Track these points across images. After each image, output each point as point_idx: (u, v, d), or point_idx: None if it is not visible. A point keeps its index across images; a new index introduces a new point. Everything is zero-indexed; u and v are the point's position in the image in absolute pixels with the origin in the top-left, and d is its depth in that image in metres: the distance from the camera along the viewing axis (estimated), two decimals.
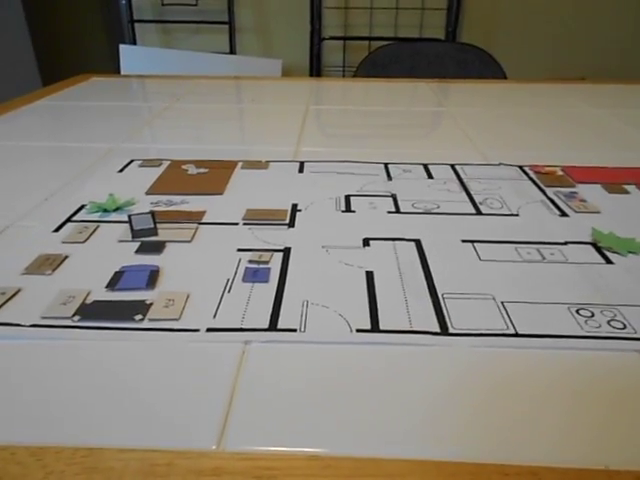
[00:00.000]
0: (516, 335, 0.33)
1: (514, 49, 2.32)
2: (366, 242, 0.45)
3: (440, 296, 0.37)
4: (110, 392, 0.29)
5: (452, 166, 0.63)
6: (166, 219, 0.48)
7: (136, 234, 0.45)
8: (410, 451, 0.26)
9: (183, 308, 0.35)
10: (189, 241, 0.45)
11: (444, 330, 0.33)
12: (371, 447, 0.26)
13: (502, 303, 0.36)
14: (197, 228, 0.47)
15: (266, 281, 0.39)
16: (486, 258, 0.42)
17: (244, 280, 0.39)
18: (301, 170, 0.61)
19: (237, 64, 2.15)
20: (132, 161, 0.63)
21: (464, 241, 0.45)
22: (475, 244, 0.44)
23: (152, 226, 0.46)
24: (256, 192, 0.55)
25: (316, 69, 2.34)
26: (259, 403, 0.28)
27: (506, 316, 0.35)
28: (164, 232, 0.46)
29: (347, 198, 0.54)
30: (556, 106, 0.95)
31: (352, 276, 0.39)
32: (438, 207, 0.52)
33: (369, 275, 0.40)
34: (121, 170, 0.61)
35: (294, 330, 0.33)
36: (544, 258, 0.42)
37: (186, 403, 0.28)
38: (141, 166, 0.62)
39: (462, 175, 0.60)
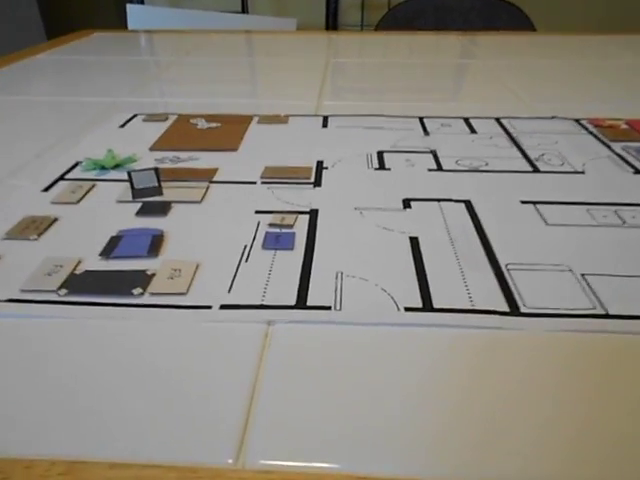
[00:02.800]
0: (607, 316, 0.26)
1: (544, 3, 2.17)
2: (406, 203, 0.38)
3: (504, 267, 0.30)
4: (99, 387, 0.23)
5: (497, 120, 0.55)
6: (172, 177, 0.41)
7: (137, 194, 0.39)
8: (474, 475, 0.19)
9: (191, 280, 0.29)
10: (199, 202, 0.38)
11: (514, 309, 0.27)
12: (425, 468, 0.20)
13: (583, 276, 0.29)
14: (208, 187, 0.40)
15: (291, 248, 0.32)
16: (554, 222, 0.35)
17: (264, 247, 0.32)
18: (325, 125, 0.54)
19: (249, 23, 2.04)
20: (135, 115, 0.57)
21: (524, 202, 0.38)
22: (537, 205, 0.37)
23: (156, 184, 0.39)
24: (275, 148, 0.48)
25: (332, 29, 2.22)
26: (286, 403, 0.22)
27: (590, 292, 0.28)
28: (170, 192, 0.39)
29: (380, 154, 0.46)
30: (600, 57, 0.85)
31: (393, 243, 0.33)
32: (486, 164, 0.44)
33: (414, 242, 0.33)
34: (123, 125, 0.54)
35: (327, 308, 0.27)
36: (624, 222, 0.35)
37: (194, 402, 0.22)
38: (145, 120, 0.55)
39: (510, 129, 0.52)
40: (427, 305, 0.27)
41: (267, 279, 0.29)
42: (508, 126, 0.53)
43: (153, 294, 0.28)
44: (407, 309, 0.27)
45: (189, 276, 0.30)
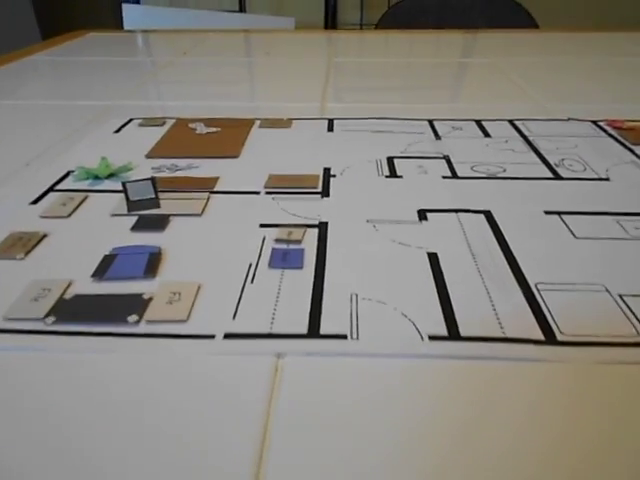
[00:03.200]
0: None
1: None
2: (422, 215, 0.35)
3: (533, 287, 0.28)
4: (88, 432, 0.20)
5: (511, 122, 0.52)
6: (170, 187, 0.39)
7: (133, 206, 0.36)
8: None
9: (192, 305, 0.27)
10: (199, 215, 0.35)
11: (550, 337, 0.24)
12: None
13: (620, 297, 0.27)
14: (209, 198, 0.38)
15: (300, 267, 0.30)
16: (583, 235, 0.32)
17: (271, 265, 0.30)
18: (330, 129, 0.51)
19: (247, 22, 2.01)
20: (131, 120, 0.54)
21: (548, 212, 0.35)
22: (563, 216, 0.35)
23: (153, 196, 0.37)
24: (279, 155, 0.45)
25: (331, 28, 2.20)
26: (302, 455, 0.20)
27: (632, 316, 0.25)
28: (168, 204, 0.37)
29: (390, 160, 0.44)
30: (610, 55, 0.83)
31: (411, 260, 0.30)
32: (504, 170, 0.42)
33: (432, 258, 0.30)
34: (118, 130, 0.51)
35: (343, 337, 0.24)
36: None
37: (195, 454, 0.19)
38: (141, 125, 0.52)
39: (525, 132, 0.50)
40: (453, 333, 0.25)
41: (275, 303, 0.27)
42: (523, 129, 0.51)
43: (150, 322, 0.26)
44: (432, 338, 0.24)
45: (190, 300, 0.27)
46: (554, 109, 0.56)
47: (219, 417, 0.21)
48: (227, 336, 0.25)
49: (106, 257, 0.30)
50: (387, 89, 0.67)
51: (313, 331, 0.25)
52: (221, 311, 0.26)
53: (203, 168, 0.43)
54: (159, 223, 0.34)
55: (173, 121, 0.53)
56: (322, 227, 0.34)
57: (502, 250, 0.31)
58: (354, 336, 0.24)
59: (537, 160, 0.44)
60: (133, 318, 0.26)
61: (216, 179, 0.41)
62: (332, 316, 0.26)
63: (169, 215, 0.35)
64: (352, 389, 0.22)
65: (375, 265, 0.30)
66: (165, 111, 0.58)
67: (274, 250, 0.31)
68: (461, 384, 0.22)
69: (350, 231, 0.33)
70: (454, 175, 0.41)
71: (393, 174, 0.41)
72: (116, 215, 0.35)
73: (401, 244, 0.32)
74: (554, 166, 0.42)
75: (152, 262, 0.30)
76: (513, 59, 0.80)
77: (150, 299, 0.27)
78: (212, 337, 0.25)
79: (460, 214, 0.35)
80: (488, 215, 0.35)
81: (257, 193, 0.38)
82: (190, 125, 0.52)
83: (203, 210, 0.36)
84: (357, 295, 0.27)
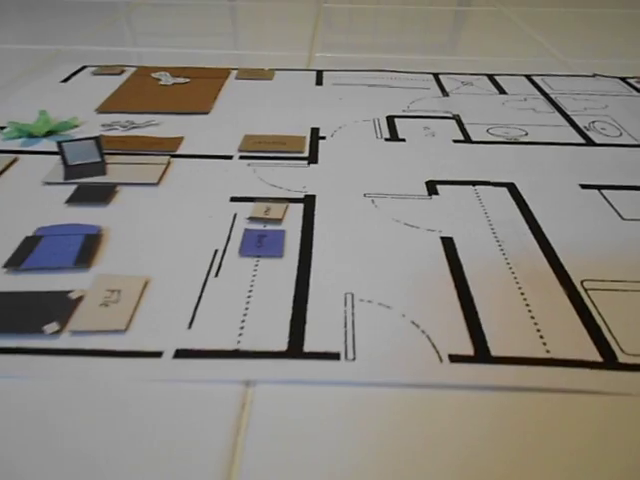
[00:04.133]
0: None
1: None
2: (432, 188, 0.29)
3: (579, 285, 0.22)
4: None
5: (528, 77, 0.45)
6: (122, 149, 0.32)
7: (71, 172, 0.29)
8: None
9: (135, 308, 0.20)
10: (155, 184, 0.28)
11: (610, 358, 0.18)
12: None
13: None
14: (169, 163, 0.30)
15: (279, 255, 0.23)
16: (632, 215, 0.26)
17: (242, 253, 0.23)
18: (319, 82, 0.44)
19: None
20: (84, 67, 0.46)
21: (584, 186, 0.29)
22: (604, 191, 0.28)
23: (98, 159, 0.29)
24: (258, 111, 0.38)
25: None
26: None
27: None
28: (116, 169, 0.29)
29: (390, 120, 0.37)
30: (636, 7, 0.75)
31: (421, 246, 0.24)
32: (526, 134, 0.35)
33: (448, 244, 0.24)
34: (66, 79, 0.43)
35: (335, 356, 0.18)
36: None
37: None
38: (95, 74, 0.44)
39: (546, 89, 0.43)
40: (482, 352, 0.18)
41: (246, 306, 0.20)
42: (543, 85, 0.44)
43: (75, 332, 0.19)
44: (453, 358, 0.18)
45: (132, 301, 0.20)
46: (576, 64, 0.49)
47: (164, 473, 0.15)
48: (179, 354, 0.18)
49: (27, 240, 0.23)
50: (386, 39, 0.59)
51: (295, 348, 0.19)
52: (173, 317, 0.20)
53: (165, 126, 0.35)
54: (103, 195, 0.27)
55: (134, 69, 0.45)
56: (308, 202, 0.27)
57: (534, 235, 0.25)
58: (349, 355, 0.18)
59: (563, 122, 0.37)
60: (52, 327, 0.19)
61: (180, 140, 0.33)
62: (320, 326, 0.19)
63: (116, 184, 0.28)
64: (347, 431, 0.16)
65: (376, 254, 0.23)
66: (127, 58, 0.49)
67: (247, 232, 0.24)
68: (494, 425, 0.16)
69: (343, 208, 0.27)
70: (467, 139, 0.34)
71: (394, 137, 0.34)
72: (49, 183, 0.28)
73: (407, 225, 0.25)
74: (584, 130, 0.36)
75: (87, 247, 0.23)
76: (527, 9, 0.72)
77: (79, 299, 0.20)
78: (158, 355, 0.18)
79: (478, 187, 0.29)
80: (512, 189, 0.29)
81: (229, 158, 0.31)
82: (153, 75, 0.44)
83: (160, 178, 0.29)
84: (353, 296, 0.21)
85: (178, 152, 0.32)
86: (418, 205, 0.27)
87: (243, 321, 0.20)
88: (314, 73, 0.46)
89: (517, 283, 0.22)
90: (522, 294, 0.21)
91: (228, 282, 0.22)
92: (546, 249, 0.24)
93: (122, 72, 0.45)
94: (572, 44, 0.55)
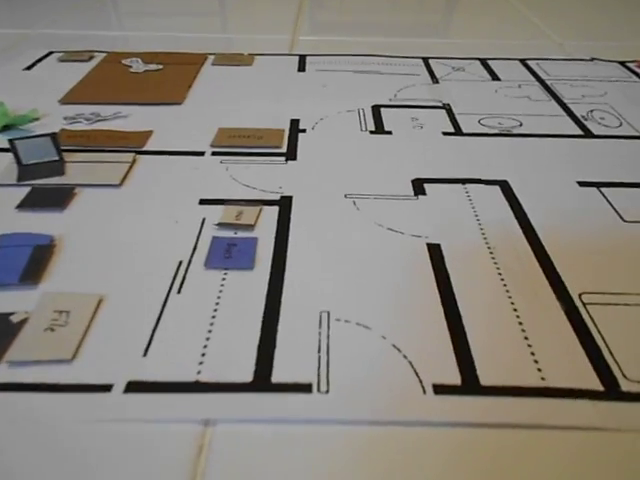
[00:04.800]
0: None
1: None
2: (418, 187, 0.26)
3: (577, 299, 0.20)
4: None
5: (523, 62, 0.43)
6: (84, 145, 0.29)
7: (25, 173, 0.26)
8: None
9: (85, 332, 0.18)
10: (117, 185, 0.26)
11: (610, 387, 0.16)
12: None
13: None
14: (134, 161, 0.28)
15: (249, 267, 0.21)
16: (633, 217, 0.24)
17: (208, 265, 0.21)
18: (302, 68, 0.41)
19: None
20: (50, 53, 0.43)
21: (582, 184, 0.27)
22: (603, 189, 0.26)
23: (56, 158, 0.27)
24: (234, 101, 0.35)
25: None
26: None
27: None
28: (76, 169, 0.27)
29: (376, 110, 0.34)
30: None
31: (405, 255, 0.22)
32: (520, 125, 0.33)
33: (435, 253, 0.22)
34: (30, 67, 0.40)
35: (306, 388, 0.16)
36: None
37: None
38: (62, 60, 0.41)
39: (542, 75, 0.40)
40: (470, 380, 0.17)
41: (209, 328, 0.18)
42: (538, 70, 0.41)
43: (14, 363, 0.17)
44: (438, 389, 0.16)
45: (82, 324, 0.18)
46: (573, 47, 0.47)
47: None
48: (131, 387, 0.16)
49: None
50: (373, 21, 0.56)
51: (261, 379, 0.17)
52: (127, 343, 0.18)
53: (134, 118, 0.33)
54: (59, 198, 0.25)
55: (103, 55, 0.42)
56: (284, 204, 0.25)
57: (528, 241, 0.23)
58: (322, 387, 0.16)
59: (560, 111, 0.35)
60: None
61: (148, 134, 0.31)
62: (291, 351, 0.17)
63: (75, 186, 0.26)
64: (318, 477, 0.14)
65: (355, 265, 0.21)
66: (94, 42, 0.46)
67: (215, 241, 0.22)
68: (482, 464, 0.14)
69: (322, 211, 0.24)
70: (457, 131, 0.32)
71: (380, 129, 0.32)
72: (0, 185, 0.26)
73: (391, 231, 0.23)
74: (582, 119, 0.34)
75: (37, 261, 0.21)
76: None
77: (23, 322, 0.18)
78: (108, 389, 0.16)
79: (468, 185, 0.26)
80: (505, 187, 0.26)
81: (201, 154, 0.29)
82: (124, 61, 0.41)
83: (124, 179, 0.26)
84: (329, 314, 0.19)
85: (145, 148, 0.29)
86: (403, 207, 0.25)
87: (205, 346, 0.18)
88: (297, 58, 0.43)
89: (509, 297, 0.20)
90: (515, 310, 0.19)
91: (191, 299, 0.19)
92: (541, 257, 0.22)
93: (91, 58, 0.42)
94: (569, 26, 0.53)
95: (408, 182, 0.27)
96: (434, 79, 0.39)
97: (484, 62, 0.43)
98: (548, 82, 0.39)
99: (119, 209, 0.24)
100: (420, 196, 0.26)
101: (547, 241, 0.23)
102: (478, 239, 0.23)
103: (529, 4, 0.60)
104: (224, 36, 0.49)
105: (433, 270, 0.21)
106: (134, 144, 0.30)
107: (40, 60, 0.41)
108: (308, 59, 0.43)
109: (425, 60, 0.43)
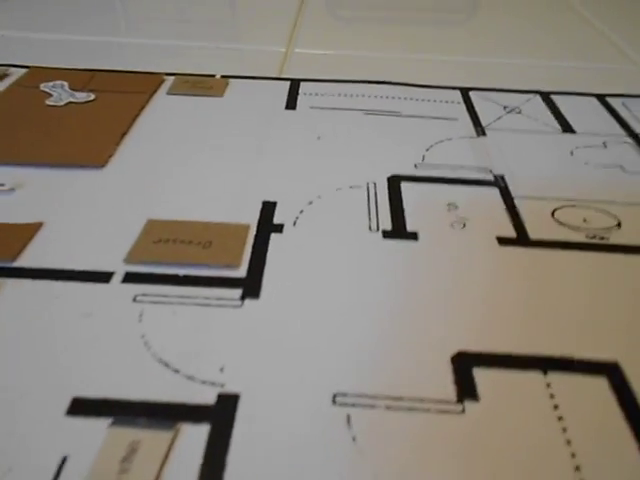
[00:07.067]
0: None
1: None
2: (464, 376, 0.15)
3: None
4: None
5: (601, 98, 0.31)
6: None
7: None
8: None
9: None
10: None
11: None
12: None
13: None
14: None
15: None
16: None
17: None
18: (292, 102, 0.29)
19: None
20: None
21: None
22: None
23: None
24: (184, 163, 0.24)
25: None
26: None
27: None
28: None
29: (394, 185, 0.23)
30: None
31: None
32: (618, 225, 0.21)
33: None
34: None
35: None
36: None
37: None
38: None
39: (633, 124, 0.28)
40: None
41: None
42: (626, 115, 0.29)
43: None
44: None
45: None
46: None
47: None
48: None
49: None
50: (385, 26, 0.44)
51: None
52: None
53: (24, 193, 0.22)
54: None
55: (22, 73, 0.31)
56: (217, 422, 0.14)
57: None
58: None
59: None
60: None
61: (33, 230, 0.19)
62: None
63: None
64: None
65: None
66: (21, 52, 0.35)
67: None
68: None
69: (286, 442, 0.13)
70: (521, 235, 0.20)
71: (399, 228, 0.20)
72: None
73: None
74: None
75: None
76: None
77: None
78: None
79: (550, 376, 0.15)
80: (614, 376, 0.15)
81: (106, 279, 0.18)
82: (43, 86, 0.29)
83: None
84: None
85: (17, 264, 0.18)
86: (439, 428, 0.13)
87: None
88: (287, 85, 0.31)
89: None
90: None
91: None
92: None
93: (4, 77, 0.30)
94: None
95: (446, 366, 0.15)
96: (478, 127, 0.27)
97: (547, 97, 0.31)
98: None
99: None
100: (467, 402, 0.14)
101: None
102: None
103: (601, 14, 0.46)
104: (195, 44, 0.37)
105: None
106: (7, 254, 0.18)
107: None
108: (302, 86, 0.31)
109: (464, 92, 0.31)
